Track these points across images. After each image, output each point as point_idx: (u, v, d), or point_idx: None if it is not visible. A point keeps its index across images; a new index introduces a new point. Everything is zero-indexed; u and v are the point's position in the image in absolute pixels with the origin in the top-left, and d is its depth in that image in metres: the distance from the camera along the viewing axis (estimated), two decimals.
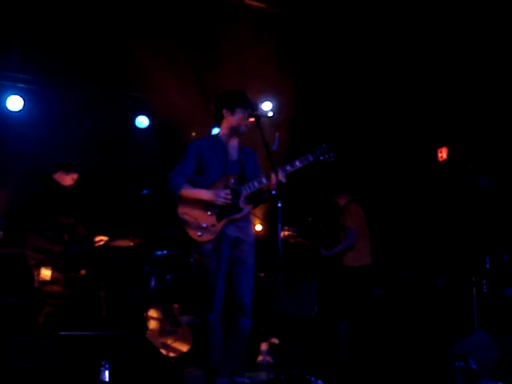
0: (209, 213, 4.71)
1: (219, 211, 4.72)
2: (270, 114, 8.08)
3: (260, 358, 6.58)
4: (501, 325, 6.18)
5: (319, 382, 3.62)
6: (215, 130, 8.77)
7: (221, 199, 4.68)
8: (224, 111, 4.89)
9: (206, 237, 4.68)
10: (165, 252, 7.12)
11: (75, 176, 6.48)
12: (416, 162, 8.32)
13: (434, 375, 4.15)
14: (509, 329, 5.85)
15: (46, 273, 5.98)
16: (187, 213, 4.71)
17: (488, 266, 6.86)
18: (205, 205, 4.72)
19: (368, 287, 6.94)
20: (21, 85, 7.91)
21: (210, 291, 4.65)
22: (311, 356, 5.56)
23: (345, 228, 6.92)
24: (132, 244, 6.73)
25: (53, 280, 6.02)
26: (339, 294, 6.79)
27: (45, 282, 5.99)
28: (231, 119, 4.86)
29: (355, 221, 6.96)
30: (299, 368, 5.43)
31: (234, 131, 4.91)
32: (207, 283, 4.66)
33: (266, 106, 8.49)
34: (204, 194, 4.72)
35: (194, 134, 9.02)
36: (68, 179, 6.43)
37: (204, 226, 4.68)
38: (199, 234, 4.68)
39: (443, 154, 8.18)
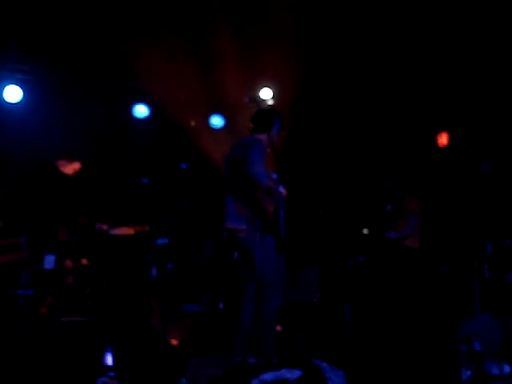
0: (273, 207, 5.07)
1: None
2: (271, 101, 8.03)
3: None
4: (502, 310, 6.18)
5: (324, 364, 3.62)
6: (214, 120, 8.84)
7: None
8: (276, 125, 5.18)
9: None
10: (166, 240, 7.12)
11: (77, 166, 6.46)
12: (416, 147, 8.30)
13: (439, 358, 4.14)
14: (510, 314, 5.85)
15: (50, 260, 5.99)
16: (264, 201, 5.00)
17: (490, 251, 6.88)
18: (271, 200, 5.04)
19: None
20: (19, 75, 7.86)
21: (257, 279, 4.84)
22: (314, 341, 5.58)
23: (409, 214, 7.04)
24: (133, 232, 6.73)
25: (57, 268, 6.02)
26: (394, 274, 6.91)
27: (49, 270, 6.00)
28: (272, 137, 5.19)
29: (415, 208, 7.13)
30: (302, 353, 5.45)
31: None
32: (264, 271, 4.83)
33: (267, 93, 8.42)
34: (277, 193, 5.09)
35: (192, 123, 8.99)
36: (69, 168, 6.41)
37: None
38: None
39: (443, 139, 8.17)
